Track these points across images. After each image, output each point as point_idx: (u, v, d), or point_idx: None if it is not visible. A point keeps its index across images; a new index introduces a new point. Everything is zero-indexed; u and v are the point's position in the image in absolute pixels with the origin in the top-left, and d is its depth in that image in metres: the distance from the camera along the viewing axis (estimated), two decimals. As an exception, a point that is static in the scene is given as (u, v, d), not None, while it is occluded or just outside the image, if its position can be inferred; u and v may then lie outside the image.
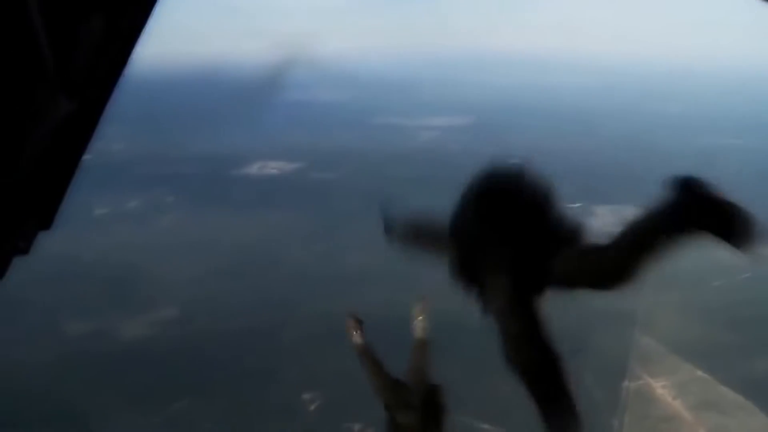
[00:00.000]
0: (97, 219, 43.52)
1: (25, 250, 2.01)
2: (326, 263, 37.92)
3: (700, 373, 27.11)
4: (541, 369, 3.40)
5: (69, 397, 26.10)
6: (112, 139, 55.84)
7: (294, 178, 57.43)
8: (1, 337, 24.42)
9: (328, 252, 39.46)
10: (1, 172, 1.73)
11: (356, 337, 4.99)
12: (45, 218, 2.02)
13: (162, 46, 65.44)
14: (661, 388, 26.49)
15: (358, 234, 43.00)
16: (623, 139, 70.30)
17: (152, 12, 1.83)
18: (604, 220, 45.02)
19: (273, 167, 60.93)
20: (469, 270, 3.54)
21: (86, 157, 2.00)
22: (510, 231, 3.46)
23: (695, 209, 2.97)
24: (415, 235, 4.11)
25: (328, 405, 25.19)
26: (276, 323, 30.95)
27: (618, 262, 3.21)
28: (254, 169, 60.92)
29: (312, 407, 25.23)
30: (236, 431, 24.10)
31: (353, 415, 24.52)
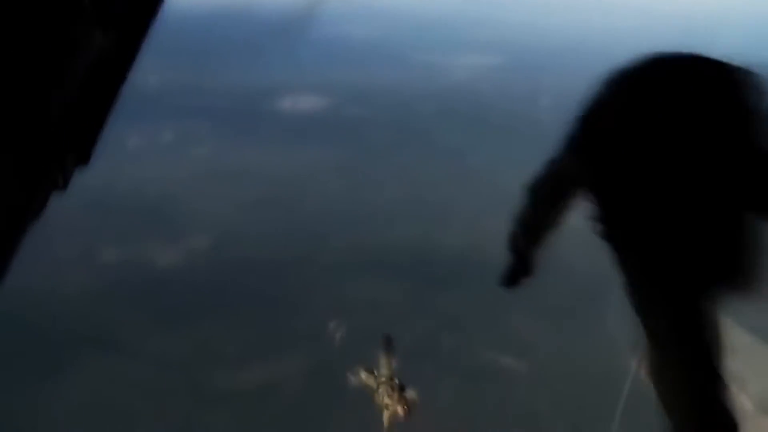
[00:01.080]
0: (132, 150, 43.97)
1: (63, 186, 2.11)
2: (357, 197, 38.23)
3: (722, 318, 27.28)
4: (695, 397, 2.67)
5: (103, 321, 27.02)
6: (147, 71, 55.77)
7: (326, 113, 57.28)
8: (38, 265, 25.13)
9: (358, 186, 39.75)
10: (37, 109, 1.80)
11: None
12: (83, 154, 2.13)
13: (197, -23, 65.27)
14: (681, 330, 26.70)
15: (389, 169, 43.25)
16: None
17: None
18: (635, 164, 44.80)
19: (305, 102, 60.77)
20: (613, 213, 2.32)
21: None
22: (691, 148, 2.11)
23: None
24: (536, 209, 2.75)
25: (354, 334, 25.90)
26: (305, 254, 31.52)
27: None
28: (287, 103, 60.76)
29: (338, 335, 26.00)
30: (262, 357, 24.97)
31: (377, 345, 25.33)
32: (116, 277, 30.02)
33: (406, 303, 28.82)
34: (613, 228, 1.97)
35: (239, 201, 37.61)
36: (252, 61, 68.67)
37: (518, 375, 23.99)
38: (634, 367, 23.18)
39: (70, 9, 1.68)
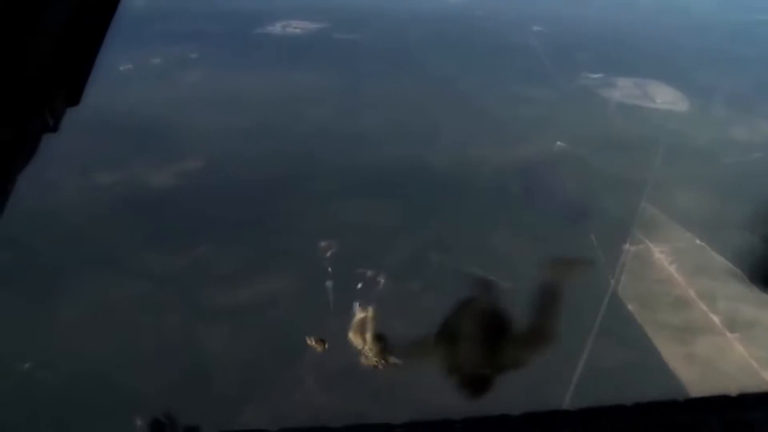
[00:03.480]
0: (122, 75, 43.96)
1: (54, 128, 1.99)
2: (348, 121, 38.71)
3: (698, 241, 28.23)
4: None
5: (101, 240, 27.80)
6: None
7: (317, 38, 57.03)
8: (34, 186, 25.63)
9: (350, 110, 40.13)
10: (25, 50, 1.68)
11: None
12: (72, 94, 2.04)
13: None
14: (659, 252, 27.72)
15: (380, 94, 43.50)
16: (654, 11, 68.55)
17: None
18: (625, 93, 45.05)
19: (296, 27, 60.35)
20: None
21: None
22: None
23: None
24: None
25: (343, 252, 26.79)
26: (297, 176, 32.21)
27: None
28: (277, 28, 60.35)
29: (328, 254, 26.81)
30: (256, 273, 25.83)
31: (366, 262, 26.20)
32: (112, 199, 30.66)
33: (394, 223, 29.70)
34: None
35: (231, 125, 37.99)
36: (243, -16, 67.25)
37: (501, 291, 25.10)
38: (612, 285, 24.43)
39: None
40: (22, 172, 1.92)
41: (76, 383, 20.94)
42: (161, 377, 21.65)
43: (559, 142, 35.62)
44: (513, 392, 21.05)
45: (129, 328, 23.64)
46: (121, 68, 44.46)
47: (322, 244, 27.54)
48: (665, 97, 44.44)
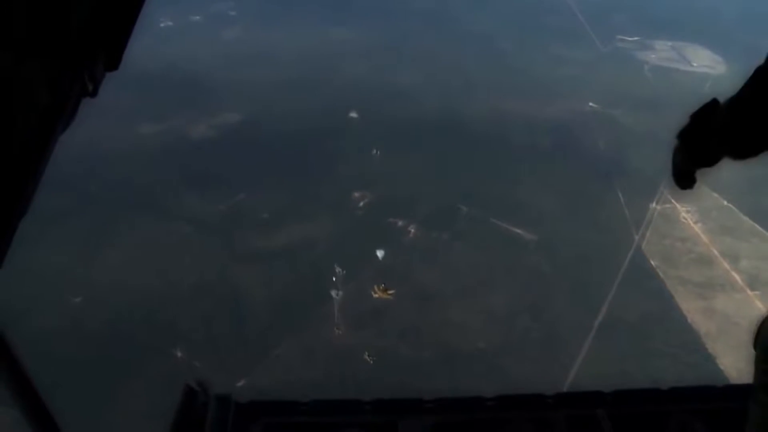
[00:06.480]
0: (162, 31, 44.64)
1: (93, 93, 1.94)
2: (385, 76, 39.32)
3: (725, 202, 28.53)
4: None
5: (145, 186, 29.01)
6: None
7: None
8: (81, 134, 26.60)
9: (386, 66, 40.55)
10: (64, 17, 1.69)
11: None
12: (112, 58, 1.99)
13: None
14: (685, 212, 28.10)
15: (417, 50, 43.77)
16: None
17: None
18: (661, 55, 44.72)
19: (335, -16, 60.30)
20: None
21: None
22: None
23: None
24: None
25: (376, 203, 27.67)
26: (332, 129, 33.22)
27: None
28: (316, -16, 60.36)
29: (361, 204, 27.68)
30: (291, 220, 26.83)
31: (397, 213, 27.25)
32: (156, 150, 31.73)
33: (427, 175, 30.46)
34: None
35: (270, 79, 38.74)
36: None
37: (528, 243, 25.88)
38: (637, 241, 25.25)
39: None
40: (62, 136, 1.92)
41: (121, 317, 22.27)
42: (200, 315, 22.91)
43: (591, 103, 35.86)
44: (536, 335, 21.94)
45: (171, 268, 24.89)
46: (162, 25, 45.24)
47: (356, 194, 28.43)
48: (703, 61, 44.03)
